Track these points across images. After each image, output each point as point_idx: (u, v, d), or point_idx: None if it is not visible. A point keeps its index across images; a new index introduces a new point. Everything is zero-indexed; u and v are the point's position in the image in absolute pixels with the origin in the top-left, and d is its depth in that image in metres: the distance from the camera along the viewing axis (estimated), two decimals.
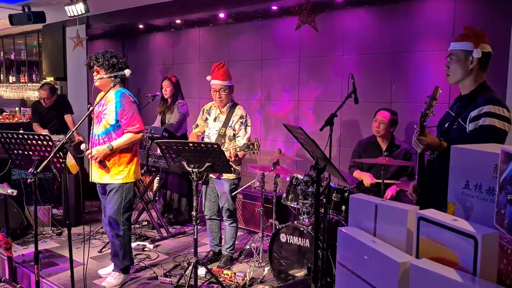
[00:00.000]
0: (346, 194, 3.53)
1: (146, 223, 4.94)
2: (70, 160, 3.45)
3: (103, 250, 4.16)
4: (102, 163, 3.30)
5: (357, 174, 3.99)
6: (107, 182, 3.38)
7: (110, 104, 3.34)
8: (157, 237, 4.57)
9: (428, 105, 2.19)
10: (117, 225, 3.41)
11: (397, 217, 1.40)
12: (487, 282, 1.12)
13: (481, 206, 1.44)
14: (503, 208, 1.29)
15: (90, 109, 3.06)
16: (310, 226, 3.30)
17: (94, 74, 3.39)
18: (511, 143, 2.54)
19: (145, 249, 4.28)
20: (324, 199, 3.32)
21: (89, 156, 3.29)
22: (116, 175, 3.37)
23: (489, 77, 3.72)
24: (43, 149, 3.21)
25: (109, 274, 3.57)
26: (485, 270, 1.15)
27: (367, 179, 3.82)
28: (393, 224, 1.41)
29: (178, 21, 5.93)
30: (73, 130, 3.05)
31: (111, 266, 3.65)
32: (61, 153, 2.78)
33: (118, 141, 3.32)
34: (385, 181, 3.56)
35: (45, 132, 5.24)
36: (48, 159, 2.76)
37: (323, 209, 3.31)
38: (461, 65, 2.28)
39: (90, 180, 3.48)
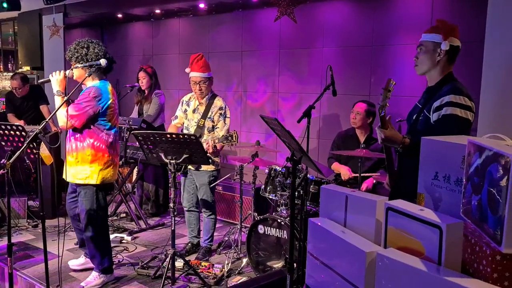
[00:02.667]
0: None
1: (124, 215, 4.90)
2: (44, 151, 3.36)
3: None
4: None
5: (336, 166, 4.01)
6: (81, 183, 3.17)
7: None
8: (135, 229, 4.54)
9: (383, 96, 2.17)
10: (91, 228, 3.22)
11: (366, 208, 1.41)
12: (451, 271, 1.14)
13: (450, 196, 1.47)
14: (469, 198, 1.32)
15: (65, 99, 3.00)
16: (288, 218, 3.32)
17: None
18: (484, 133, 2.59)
19: (122, 241, 4.24)
20: (301, 191, 3.34)
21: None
22: (86, 176, 3.15)
23: (464, 71, 3.78)
24: (16, 139, 3.14)
25: (81, 266, 3.53)
26: (449, 260, 1.17)
27: (345, 173, 3.84)
28: (362, 215, 1.42)
29: (157, 11, 5.85)
30: (46, 120, 2.98)
31: (82, 258, 3.59)
32: (34, 144, 2.73)
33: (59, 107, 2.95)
34: (362, 174, 3.59)
35: (20, 123, 5.14)
36: (21, 149, 2.69)
37: (300, 201, 3.33)
38: (429, 56, 2.28)
39: (64, 178, 3.23)
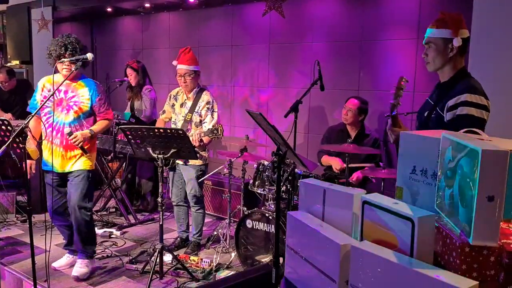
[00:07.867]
0: None
1: (113, 209, 4.90)
2: (31, 146, 3.35)
3: None
4: (83, 148, 3.28)
5: (326, 159, 4.00)
6: (77, 169, 3.33)
7: (81, 91, 3.29)
8: (124, 224, 4.54)
9: (395, 95, 2.14)
10: (85, 211, 3.35)
11: (343, 201, 1.43)
12: (422, 263, 1.16)
13: (426, 190, 1.49)
14: (442, 191, 1.34)
15: (51, 94, 2.98)
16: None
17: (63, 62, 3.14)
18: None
19: (111, 236, 4.25)
20: (288, 185, 3.35)
21: (72, 140, 3.21)
22: (86, 162, 3.35)
23: None
24: (2, 133, 3.12)
25: (65, 266, 3.54)
26: (421, 252, 1.19)
27: (337, 163, 3.82)
28: (340, 208, 1.44)
29: (147, 5, 5.83)
30: (33, 114, 2.97)
31: (65, 258, 3.59)
32: (20, 138, 2.72)
33: (97, 127, 3.36)
34: (353, 165, 3.59)
35: (7, 116, 5.12)
36: (6, 144, 2.68)
37: (288, 195, 3.35)
38: (441, 53, 2.19)
39: (55, 171, 3.30)
